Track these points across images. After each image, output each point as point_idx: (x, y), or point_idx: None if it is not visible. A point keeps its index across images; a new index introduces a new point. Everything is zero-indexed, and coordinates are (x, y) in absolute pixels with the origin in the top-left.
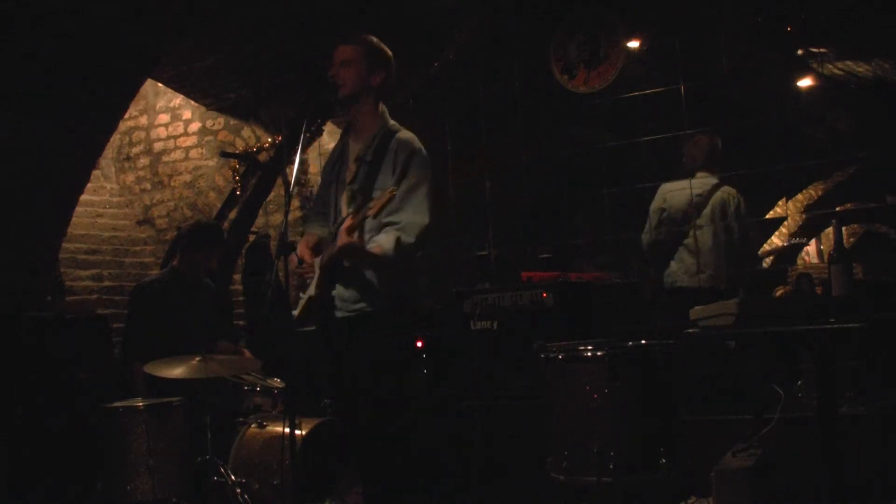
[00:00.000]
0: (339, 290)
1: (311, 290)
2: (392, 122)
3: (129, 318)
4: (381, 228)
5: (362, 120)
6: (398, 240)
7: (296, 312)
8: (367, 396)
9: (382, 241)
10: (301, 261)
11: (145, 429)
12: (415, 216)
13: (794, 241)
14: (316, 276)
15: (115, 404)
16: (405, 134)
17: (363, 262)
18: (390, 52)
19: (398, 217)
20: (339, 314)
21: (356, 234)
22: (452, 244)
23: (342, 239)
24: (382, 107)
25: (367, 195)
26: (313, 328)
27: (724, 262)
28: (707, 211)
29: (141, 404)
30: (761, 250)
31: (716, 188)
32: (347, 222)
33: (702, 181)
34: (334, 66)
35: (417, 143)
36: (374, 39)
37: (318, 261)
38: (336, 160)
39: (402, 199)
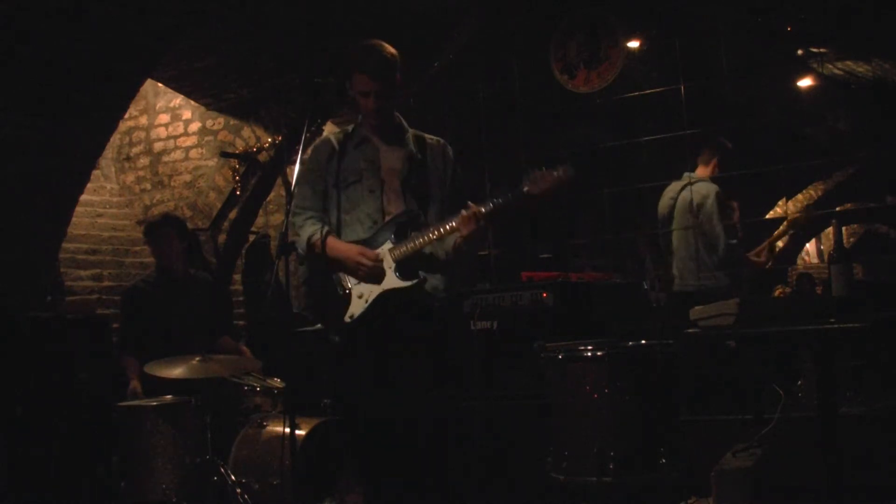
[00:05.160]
0: (430, 279)
1: (392, 284)
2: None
3: (120, 321)
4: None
5: (389, 119)
6: None
7: (355, 311)
8: (448, 374)
9: None
10: (352, 265)
11: (147, 429)
12: None
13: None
14: (391, 268)
15: (122, 403)
16: (429, 136)
17: (478, 246)
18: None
19: None
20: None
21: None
22: None
23: (483, 220)
24: None
25: (424, 191)
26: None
27: (696, 264)
28: (676, 214)
29: (146, 403)
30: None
31: (682, 189)
32: (477, 209)
33: (678, 183)
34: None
35: None
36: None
37: (387, 253)
38: (349, 156)
39: (461, 194)
